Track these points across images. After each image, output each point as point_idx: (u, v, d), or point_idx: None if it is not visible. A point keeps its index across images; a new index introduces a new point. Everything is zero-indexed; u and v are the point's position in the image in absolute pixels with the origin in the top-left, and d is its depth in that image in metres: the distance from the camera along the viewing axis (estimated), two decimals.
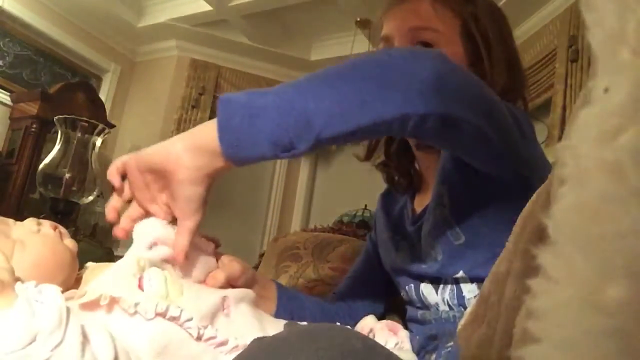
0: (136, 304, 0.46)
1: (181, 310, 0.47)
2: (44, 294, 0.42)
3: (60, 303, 0.42)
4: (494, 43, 0.74)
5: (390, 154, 0.89)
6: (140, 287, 0.49)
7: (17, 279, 0.44)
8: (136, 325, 0.46)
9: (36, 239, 0.54)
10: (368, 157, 0.90)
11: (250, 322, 0.53)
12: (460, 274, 0.68)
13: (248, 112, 0.50)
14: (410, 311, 0.80)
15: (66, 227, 0.60)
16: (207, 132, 0.51)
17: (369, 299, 0.89)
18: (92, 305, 0.46)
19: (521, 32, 2.91)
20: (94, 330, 0.43)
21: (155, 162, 0.54)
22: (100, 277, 0.50)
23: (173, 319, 0.47)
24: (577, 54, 2.40)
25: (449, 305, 0.71)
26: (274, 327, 0.56)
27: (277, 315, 0.73)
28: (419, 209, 0.82)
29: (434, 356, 0.67)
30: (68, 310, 0.42)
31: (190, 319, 0.47)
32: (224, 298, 0.53)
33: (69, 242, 0.57)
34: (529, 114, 0.74)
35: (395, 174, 0.89)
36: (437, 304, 0.73)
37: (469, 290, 0.68)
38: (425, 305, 0.75)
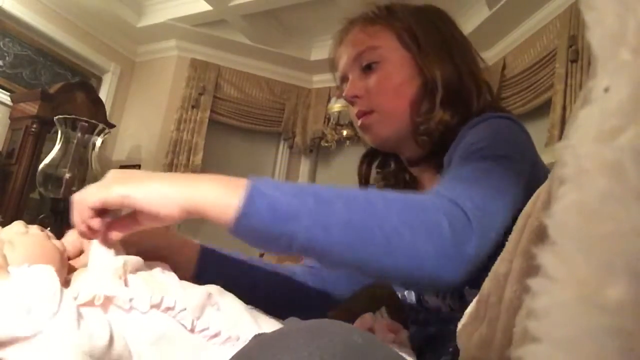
0: (131, 299, 0.46)
1: (175, 301, 0.48)
2: (37, 272, 0.43)
3: (53, 279, 0.42)
4: (422, 35, 0.79)
5: (387, 176, 0.89)
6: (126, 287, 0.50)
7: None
8: (132, 319, 0.46)
9: (25, 238, 0.54)
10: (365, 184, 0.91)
11: (240, 313, 0.54)
12: (466, 288, 0.67)
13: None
14: (410, 313, 0.80)
15: (66, 227, 0.61)
16: (217, 209, 0.51)
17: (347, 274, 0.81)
18: (87, 306, 0.46)
19: (521, 32, 2.91)
20: (88, 312, 0.43)
21: (142, 208, 0.51)
22: (84, 277, 0.51)
23: (168, 309, 0.47)
24: (577, 54, 2.40)
25: (450, 307, 0.71)
26: (264, 317, 0.56)
27: (199, 278, 0.66)
28: None
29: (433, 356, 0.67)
30: (61, 287, 0.42)
31: (184, 309, 0.48)
32: (210, 295, 0.53)
33: (57, 243, 0.57)
34: (513, 116, 0.72)
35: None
36: (438, 306, 0.73)
37: (472, 295, 0.68)
38: (425, 308, 0.75)
